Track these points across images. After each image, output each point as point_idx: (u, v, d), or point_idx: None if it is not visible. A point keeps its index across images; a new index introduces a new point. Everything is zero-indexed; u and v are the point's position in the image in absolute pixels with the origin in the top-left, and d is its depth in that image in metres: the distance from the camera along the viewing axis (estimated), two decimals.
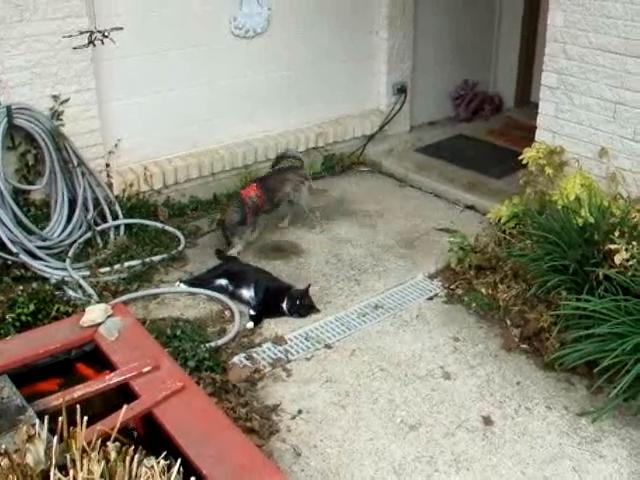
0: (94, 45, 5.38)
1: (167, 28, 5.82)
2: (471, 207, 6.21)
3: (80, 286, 4.86)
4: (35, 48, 5.13)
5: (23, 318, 4.35)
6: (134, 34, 5.63)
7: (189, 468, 2.86)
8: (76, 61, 5.33)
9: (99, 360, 3.63)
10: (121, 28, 5.53)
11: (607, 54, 4.97)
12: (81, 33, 5.29)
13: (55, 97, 5.30)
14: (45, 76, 5.23)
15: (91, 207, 5.46)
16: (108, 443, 2.76)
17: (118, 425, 2.88)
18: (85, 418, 2.79)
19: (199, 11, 5.95)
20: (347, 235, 5.77)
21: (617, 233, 4.26)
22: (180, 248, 5.44)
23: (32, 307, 4.41)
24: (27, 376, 3.46)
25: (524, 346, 4.46)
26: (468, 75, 8.01)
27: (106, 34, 5.42)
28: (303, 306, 4.78)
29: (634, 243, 4.16)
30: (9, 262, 4.95)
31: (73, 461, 2.65)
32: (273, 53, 6.48)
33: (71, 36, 5.24)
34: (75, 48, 5.27)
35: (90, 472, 2.57)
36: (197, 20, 5.96)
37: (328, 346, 4.51)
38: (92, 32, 5.34)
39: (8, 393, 3.18)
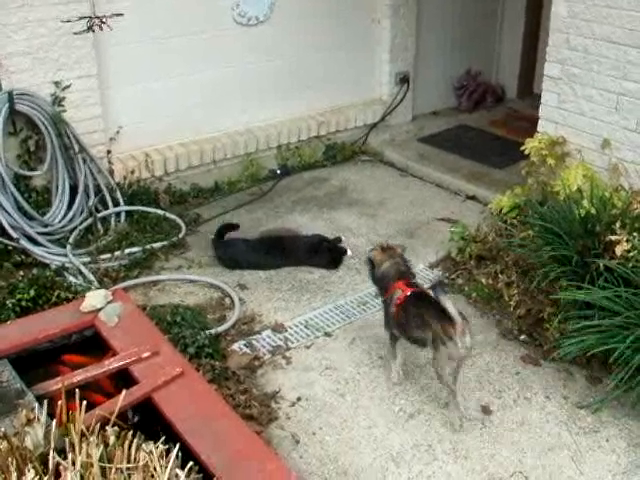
0: (93, 31, 5.36)
1: (169, 15, 5.80)
2: (472, 197, 6.20)
3: (80, 272, 4.87)
4: (37, 34, 5.13)
5: (23, 303, 4.35)
6: (136, 20, 5.62)
7: (188, 453, 2.87)
8: (78, 47, 5.32)
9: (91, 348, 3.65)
10: (121, 14, 5.52)
11: (611, 45, 4.95)
12: (80, 18, 5.27)
13: (57, 83, 5.30)
14: (47, 62, 5.23)
15: (92, 194, 5.46)
16: (107, 427, 2.77)
17: (117, 410, 2.89)
18: (84, 402, 2.80)
19: None
20: (348, 224, 5.77)
21: (618, 224, 4.26)
22: (181, 235, 5.44)
23: (32, 293, 4.40)
24: (27, 361, 3.47)
25: (524, 336, 4.46)
26: (471, 65, 7.99)
27: (103, 20, 5.40)
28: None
29: (635, 234, 4.14)
30: (10, 248, 4.96)
31: (72, 445, 2.66)
32: (275, 41, 6.45)
33: (69, 21, 5.23)
34: (76, 34, 5.26)
35: (89, 456, 2.58)
36: (200, 7, 5.94)
37: (328, 334, 4.51)
38: (91, 17, 5.33)
39: (8, 377, 3.19)
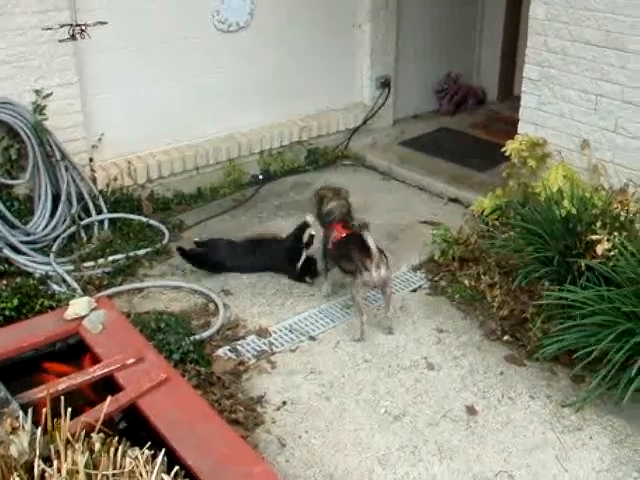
0: (75, 39, 5.36)
1: (150, 22, 5.81)
2: (454, 200, 6.23)
3: (64, 280, 4.86)
4: (17, 42, 5.11)
5: (7, 312, 4.33)
6: (117, 28, 5.61)
7: (174, 458, 2.87)
8: (58, 55, 5.31)
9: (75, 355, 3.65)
10: (105, 22, 5.53)
11: (588, 46, 5.00)
12: (61, 26, 5.27)
13: (37, 91, 5.28)
14: (27, 70, 5.22)
15: (75, 202, 5.45)
16: (92, 434, 2.77)
17: (102, 417, 2.89)
18: (69, 410, 2.80)
19: (182, 5, 5.94)
20: None
21: (599, 224, 4.29)
22: (164, 242, 5.44)
23: (16, 301, 4.39)
24: (11, 369, 3.47)
25: (507, 337, 4.48)
26: (451, 68, 8.04)
27: (83, 28, 5.40)
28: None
29: (615, 234, 4.18)
30: None
31: (57, 452, 2.66)
32: (257, 47, 6.46)
33: (50, 29, 5.22)
34: (61, 41, 5.26)
35: (74, 463, 2.58)
36: (180, 14, 5.95)
37: (312, 338, 4.52)
38: (72, 25, 5.33)
39: None
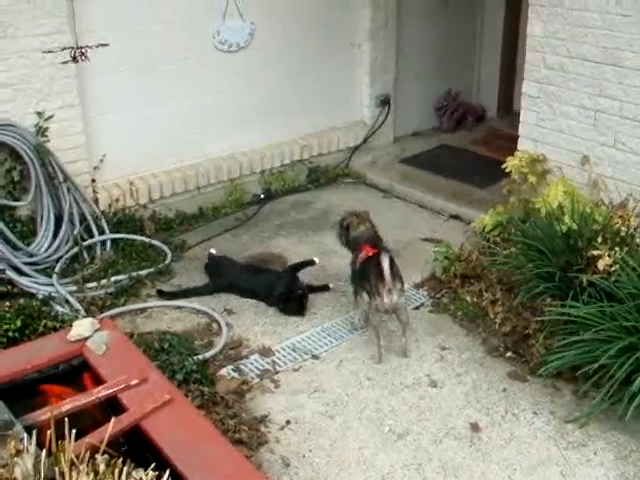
0: (76, 61, 5.40)
1: (151, 44, 5.85)
2: (455, 216, 6.25)
3: (67, 301, 4.86)
4: (18, 64, 5.15)
5: (10, 334, 4.35)
6: (119, 49, 5.66)
7: (178, 479, 2.87)
8: (60, 77, 5.35)
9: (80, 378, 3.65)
10: (107, 45, 5.57)
11: (586, 63, 5.03)
12: (63, 49, 5.31)
13: (39, 113, 5.32)
14: (29, 92, 5.25)
15: (77, 222, 5.46)
16: (97, 456, 2.77)
17: (107, 438, 2.89)
18: (73, 431, 2.80)
19: (183, 26, 5.98)
20: (332, 246, 5.76)
21: (600, 239, 4.31)
22: (167, 262, 5.45)
23: (19, 323, 4.40)
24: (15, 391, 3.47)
25: (510, 353, 4.48)
26: (451, 85, 8.07)
27: (83, 51, 5.44)
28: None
29: (616, 249, 4.20)
30: None
31: (62, 474, 2.65)
32: (257, 67, 6.51)
33: (51, 52, 5.26)
34: (63, 63, 5.31)
35: None
36: (181, 35, 5.99)
37: (315, 357, 4.53)
38: (73, 48, 5.36)
39: None
